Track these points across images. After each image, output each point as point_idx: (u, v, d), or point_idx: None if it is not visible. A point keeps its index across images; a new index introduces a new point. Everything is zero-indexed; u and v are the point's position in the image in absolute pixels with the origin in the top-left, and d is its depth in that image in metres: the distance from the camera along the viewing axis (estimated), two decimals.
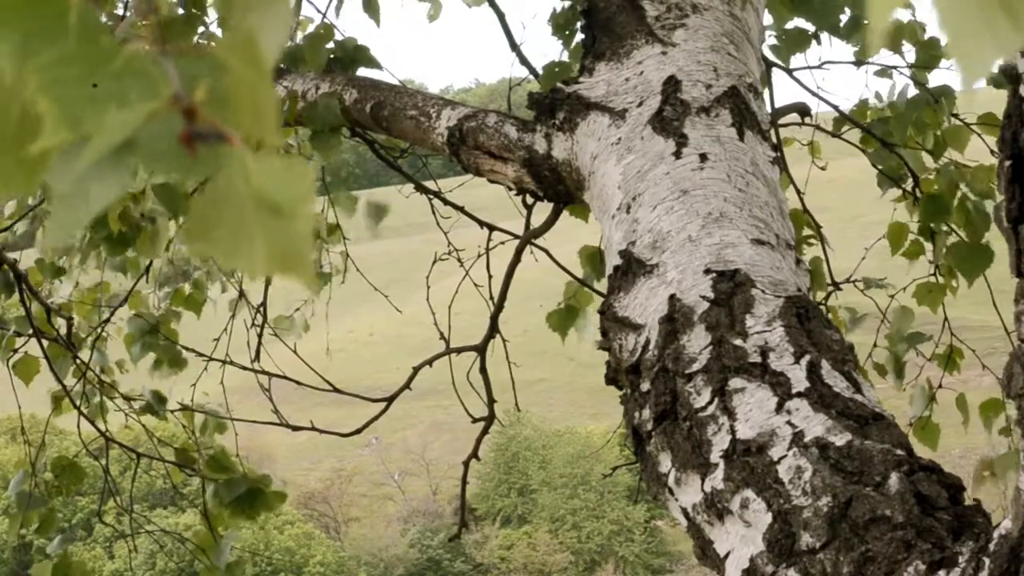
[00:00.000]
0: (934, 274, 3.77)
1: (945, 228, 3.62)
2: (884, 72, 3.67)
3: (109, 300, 4.42)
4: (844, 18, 3.42)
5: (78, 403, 4.10)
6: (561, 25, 3.60)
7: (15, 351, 4.10)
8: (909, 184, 3.74)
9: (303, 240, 0.64)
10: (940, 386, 3.83)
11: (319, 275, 4.55)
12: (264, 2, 0.65)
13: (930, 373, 3.93)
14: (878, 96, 3.77)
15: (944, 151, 3.66)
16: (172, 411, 4.22)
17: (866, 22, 3.47)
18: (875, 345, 3.82)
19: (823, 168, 4.13)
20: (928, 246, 3.73)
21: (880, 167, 3.73)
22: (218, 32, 3.45)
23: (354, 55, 3.29)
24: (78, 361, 4.13)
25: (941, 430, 3.84)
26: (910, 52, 3.68)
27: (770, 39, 3.48)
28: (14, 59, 0.62)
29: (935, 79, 3.68)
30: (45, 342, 4.05)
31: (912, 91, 3.66)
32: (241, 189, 0.64)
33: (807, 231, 3.82)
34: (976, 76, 0.59)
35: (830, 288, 3.90)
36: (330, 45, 3.32)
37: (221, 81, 0.64)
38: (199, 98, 0.64)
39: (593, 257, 3.43)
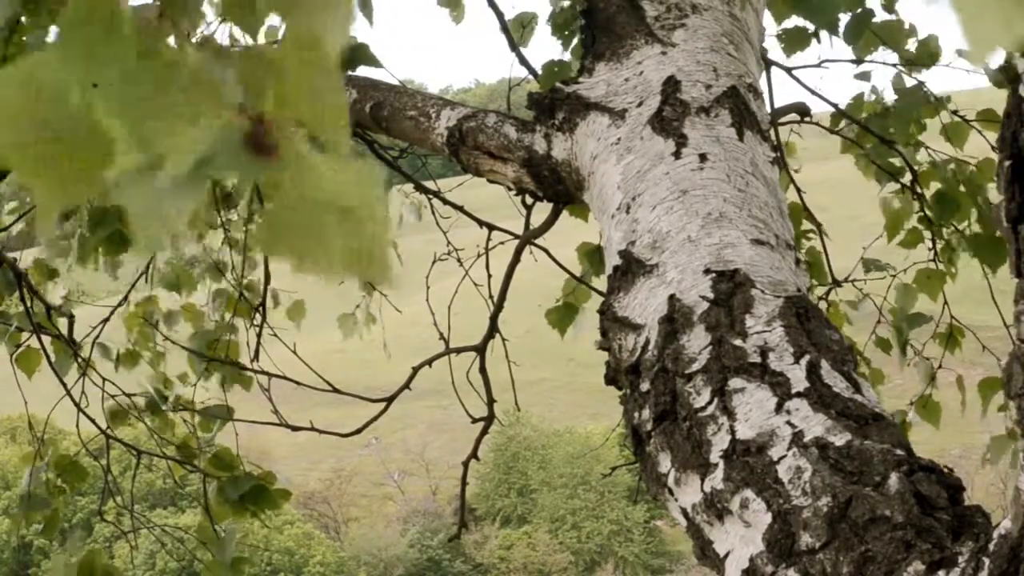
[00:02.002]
0: (934, 260, 3.79)
1: (951, 227, 3.65)
2: (863, 76, 3.67)
3: (164, 317, 4.46)
4: (845, 19, 3.43)
5: (75, 401, 4.11)
6: (560, 25, 3.60)
7: (18, 347, 4.12)
8: (907, 178, 3.76)
9: (378, 240, 0.65)
10: (940, 366, 3.85)
11: None
12: (328, 3, 0.65)
13: (931, 363, 3.93)
14: (874, 90, 3.78)
15: (962, 143, 3.67)
16: (175, 409, 4.23)
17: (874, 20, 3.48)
18: (879, 322, 3.84)
19: (796, 171, 4.13)
20: (927, 234, 3.75)
21: (878, 163, 3.74)
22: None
23: (353, 54, 3.29)
24: (79, 359, 4.14)
25: (940, 431, 3.85)
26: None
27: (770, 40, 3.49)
28: (79, 82, 0.61)
29: (935, 75, 3.70)
30: (47, 340, 4.06)
31: (908, 85, 3.68)
32: (312, 193, 0.64)
33: (805, 225, 3.83)
34: (983, 59, 0.59)
35: (829, 285, 3.91)
36: None
37: (284, 85, 0.64)
38: (266, 106, 0.64)
39: (591, 254, 3.44)
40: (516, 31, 3.89)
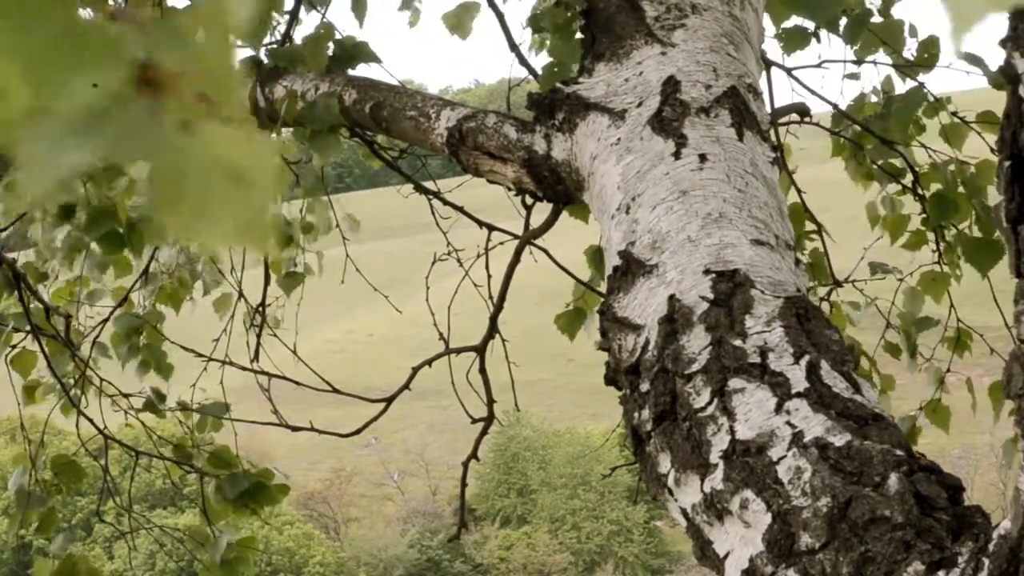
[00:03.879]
0: (938, 262, 3.78)
1: (951, 227, 3.65)
2: (853, 76, 3.68)
3: (88, 296, 4.40)
4: (844, 19, 3.43)
5: (74, 402, 4.10)
6: (560, 26, 3.60)
7: (13, 347, 4.10)
8: (908, 179, 3.76)
9: (265, 210, 0.65)
10: (948, 369, 3.85)
11: (292, 276, 4.53)
12: None
13: (939, 367, 3.93)
14: (875, 91, 3.78)
15: (960, 144, 3.66)
16: (171, 409, 4.22)
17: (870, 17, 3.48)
18: (888, 325, 3.83)
19: (793, 171, 4.12)
20: (930, 236, 3.75)
21: (878, 163, 3.74)
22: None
23: (353, 52, 3.29)
24: (76, 359, 4.13)
25: (938, 430, 3.85)
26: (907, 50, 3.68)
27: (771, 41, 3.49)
28: None
29: (934, 76, 3.69)
30: (44, 340, 4.05)
31: (905, 86, 3.69)
32: (206, 158, 0.64)
33: (807, 226, 3.83)
34: (967, 28, 0.60)
35: (830, 286, 3.91)
36: (329, 45, 3.32)
37: (187, 51, 0.65)
38: (169, 68, 0.64)
39: (597, 255, 3.43)
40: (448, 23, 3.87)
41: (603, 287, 3.48)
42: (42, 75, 0.62)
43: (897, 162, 3.75)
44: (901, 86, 3.72)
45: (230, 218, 0.64)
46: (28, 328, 3.98)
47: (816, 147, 4.23)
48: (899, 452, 1.69)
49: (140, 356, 4.22)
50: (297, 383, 3.76)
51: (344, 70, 3.28)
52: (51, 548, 3.99)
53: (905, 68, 3.68)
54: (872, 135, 3.67)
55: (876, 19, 3.57)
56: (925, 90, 3.65)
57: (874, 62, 3.67)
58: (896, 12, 3.63)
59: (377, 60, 3.34)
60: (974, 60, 3.51)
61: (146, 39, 0.64)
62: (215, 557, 3.91)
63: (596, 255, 3.46)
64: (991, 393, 3.73)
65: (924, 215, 3.75)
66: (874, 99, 3.81)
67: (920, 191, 3.73)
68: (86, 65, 0.62)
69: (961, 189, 3.56)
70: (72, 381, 4.14)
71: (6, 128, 0.62)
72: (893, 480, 1.63)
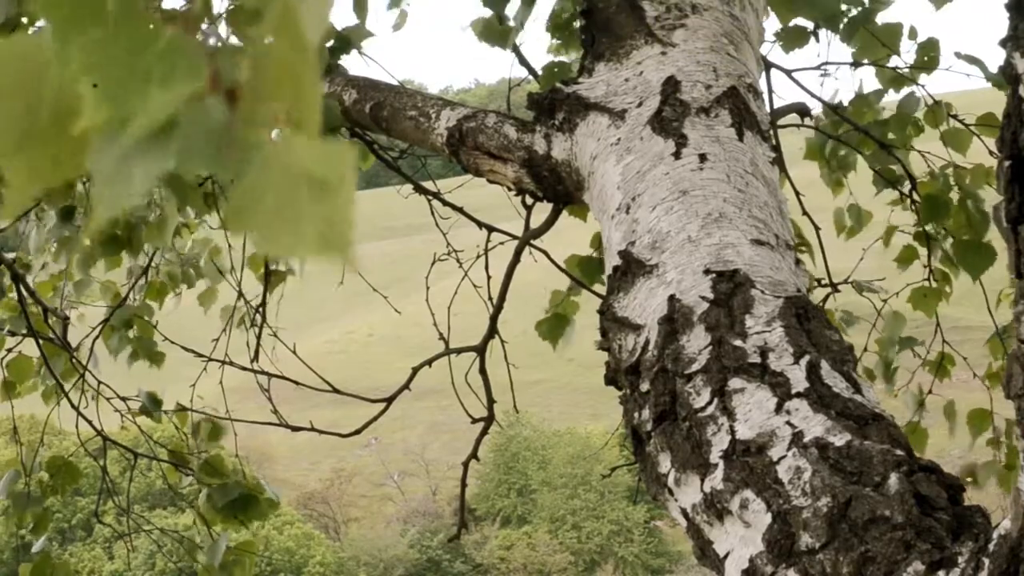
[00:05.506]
0: (928, 279, 3.76)
1: (942, 232, 3.63)
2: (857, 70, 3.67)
3: (76, 286, 4.39)
4: (844, 21, 3.43)
5: (73, 403, 4.10)
6: (560, 26, 3.60)
7: (9, 351, 4.09)
8: (906, 187, 3.75)
9: (347, 219, 0.64)
10: (930, 391, 3.84)
11: (277, 272, 4.53)
12: None
13: (923, 378, 3.94)
14: (875, 95, 3.77)
15: (964, 149, 3.64)
16: (167, 412, 4.21)
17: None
18: (865, 349, 3.81)
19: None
20: (922, 251, 3.73)
21: (877, 168, 3.73)
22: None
23: (348, 35, 3.28)
24: (75, 361, 4.13)
25: (939, 431, 3.85)
26: (908, 53, 3.68)
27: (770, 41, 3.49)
28: (54, 42, 0.62)
29: (934, 80, 3.69)
30: (41, 342, 4.05)
31: (904, 92, 3.68)
32: (285, 168, 0.63)
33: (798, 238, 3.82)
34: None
35: (828, 289, 3.90)
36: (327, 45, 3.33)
37: (262, 62, 0.64)
38: (241, 79, 0.64)
39: (583, 264, 3.43)
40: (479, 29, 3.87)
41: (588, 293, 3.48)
42: (121, 89, 0.62)
43: (896, 168, 3.74)
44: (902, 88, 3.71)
45: (312, 227, 0.63)
46: (27, 331, 3.98)
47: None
48: (899, 452, 1.69)
49: (130, 348, 4.23)
50: (297, 383, 3.76)
51: (340, 56, 3.28)
52: (33, 549, 4.00)
53: (904, 70, 3.68)
54: (872, 139, 3.67)
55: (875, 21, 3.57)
56: (923, 95, 3.65)
57: (873, 64, 3.67)
58: (895, 14, 3.63)
59: (370, 35, 3.33)
60: (973, 61, 3.50)
61: (222, 51, 0.64)
62: (213, 561, 3.92)
63: (581, 263, 3.44)
64: (969, 420, 3.73)
65: (918, 228, 3.72)
66: (870, 100, 3.80)
67: (916, 198, 3.71)
68: (164, 78, 0.62)
69: (956, 193, 3.54)
70: (62, 372, 4.14)
71: (81, 148, 0.62)
72: (893, 480, 1.63)
